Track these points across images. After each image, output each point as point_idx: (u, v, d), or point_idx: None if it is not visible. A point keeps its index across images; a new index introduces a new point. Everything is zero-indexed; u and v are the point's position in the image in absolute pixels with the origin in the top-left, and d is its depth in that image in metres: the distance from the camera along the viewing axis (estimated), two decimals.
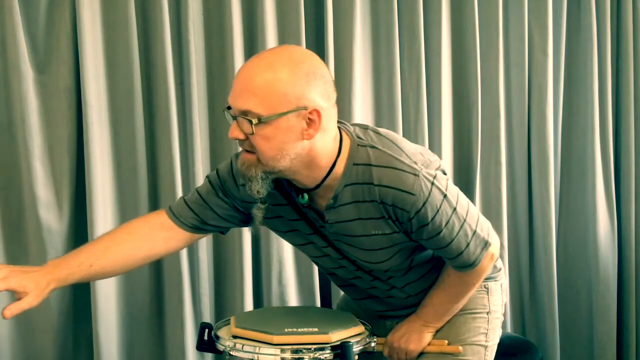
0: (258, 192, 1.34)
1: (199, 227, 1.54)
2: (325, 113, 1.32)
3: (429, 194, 1.36)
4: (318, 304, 2.28)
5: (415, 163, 1.38)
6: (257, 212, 1.42)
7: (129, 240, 1.49)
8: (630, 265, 2.75)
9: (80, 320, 2.06)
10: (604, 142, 2.69)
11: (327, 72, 1.36)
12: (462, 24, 2.48)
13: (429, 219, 1.37)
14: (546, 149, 2.58)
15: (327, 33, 2.25)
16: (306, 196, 1.42)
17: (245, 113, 1.28)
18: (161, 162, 2.10)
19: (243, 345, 1.39)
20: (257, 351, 1.37)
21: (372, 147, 1.39)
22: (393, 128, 2.38)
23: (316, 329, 1.41)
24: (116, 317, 2.06)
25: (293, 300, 2.25)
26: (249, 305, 2.17)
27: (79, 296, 2.04)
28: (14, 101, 1.93)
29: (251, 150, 1.32)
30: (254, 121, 1.27)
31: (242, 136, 1.31)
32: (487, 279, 1.62)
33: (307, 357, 1.36)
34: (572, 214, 2.73)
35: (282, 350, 1.36)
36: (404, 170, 1.35)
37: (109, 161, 2.05)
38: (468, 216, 1.43)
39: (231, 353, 1.40)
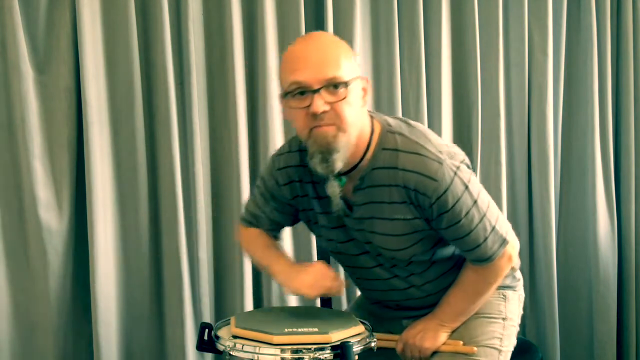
0: (338, 165, 1.40)
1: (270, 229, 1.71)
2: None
3: (451, 182, 1.42)
4: (318, 304, 2.28)
5: (441, 152, 1.44)
6: (334, 188, 1.47)
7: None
8: (630, 265, 2.74)
9: (80, 320, 2.06)
10: (604, 142, 2.68)
11: None
12: (462, 24, 2.48)
13: (449, 206, 1.42)
14: (546, 149, 2.58)
15: None
16: (344, 179, 1.47)
17: (332, 81, 1.36)
18: (161, 162, 2.10)
19: (243, 345, 1.39)
20: (257, 351, 1.37)
21: (401, 134, 1.46)
22: None
23: (316, 329, 1.41)
24: (116, 317, 2.06)
25: (293, 300, 2.25)
26: (249, 305, 2.17)
27: (79, 296, 2.04)
28: (14, 101, 1.93)
29: (331, 122, 1.38)
30: (345, 85, 1.37)
31: (328, 107, 1.36)
32: (505, 287, 1.65)
33: (307, 357, 1.36)
34: (572, 214, 2.73)
35: (282, 350, 1.36)
36: (429, 157, 1.42)
37: (109, 161, 2.05)
38: (488, 212, 1.48)
39: (231, 353, 1.40)
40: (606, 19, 2.65)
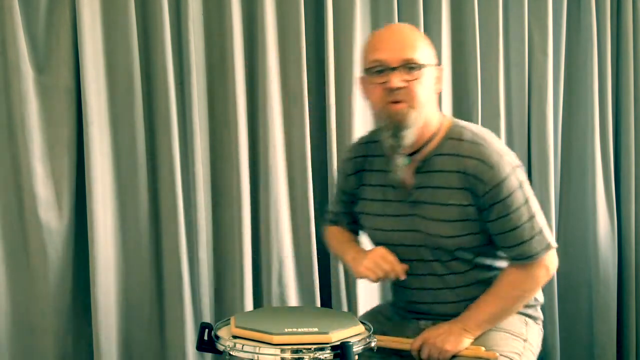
0: (407, 140, 1.54)
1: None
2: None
3: (507, 176, 1.53)
4: (318, 304, 2.28)
5: (502, 150, 1.57)
6: (399, 160, 1.60)
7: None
8: (630, 265, 2.74)
9: (80, 320, 2.06)
10: (604, 142, 2.68)
11: None
12: (462, 24, 2.48)
13: (502, 197, 1.52)
14: (546, 149, 2.58)
15: (327, 33, 2.25)
16: (409, 158, 1.60)
17: (409, 61, 1.52)
18: (161, 162, 2.10)
19: (243, 345, 1.39)
20: (257, 351, 1.37)
21: (468, 128, 1.60)
22: None
23: (316, 329, 1.41)
24: (116, 317, 2.06)
25: (293, 300, 2.25)
26: (249, 305, 2.17)
27: (79, 296, 2.04)
28: (14, 101, 1.93)
29: (404, 99, 1.52)
30: (419, 67, 1.52)
31: (403, 84, 1.51)
32: (528, 315, 1.69)
33: (307, 357, 1.36)
34: (572, 214, 2.73)
35: (282, 350, 1.36)
36: (491, 149, 1.55)
37: (109, 161, 2.05)
38: (537, 216, 1.56)
39: (231, 353, 1.40)
40: (606, 19, 2.65)
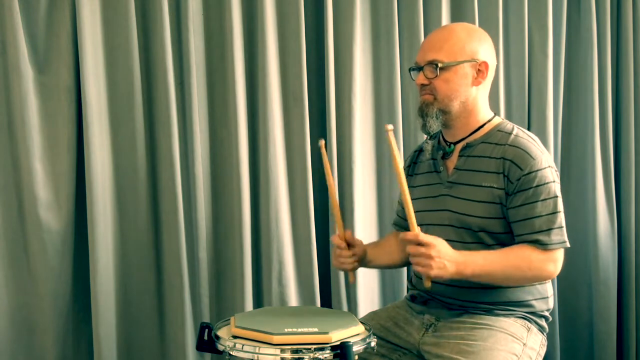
0: (431, 127, 1.71)
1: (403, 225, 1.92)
2: (491, 69, 1.73)
3: (544, 169, 1.62)
4: (318, 304, 2.28)
5: (545, 152, 1.67)
6: (427, 146, 1.81)
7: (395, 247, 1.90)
8: (630, 265, 2.75)
9: (80, 320, 2.06)
10: (604, 142, 2.69)
11: (493, 46, 1.78)
12: None
13: (533, 185, 1.61)
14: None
15: (327, 33, 2.25)
16: (453, 146, 1.75)
17: (431, 62, 1.68)
18: (161, 162, 2.10)
19: (243, 345, 1.39)
20: (257, 351, 1.37)
21: (518, 128, 1.73)
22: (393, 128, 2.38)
23: (316, 329, 1.41)
24: (116, 317, 2.06)
25: (293, 300, 2.25)
26: (249, 305, 2.18)
27: (79, 296, 2.05)
28: (14, 101, 1.94)
29: (430, 93, 1.70)
30: (440, 65, 1.66)
31: (426, 81, 1.70)
32: (535, 322, 1.69)
33: (307, 357, 1.36)
34: (572, 213, 2.73)
35: (282, 350, 1.36)
36: (535, 145, 1.66)
37: (109, 161, 2.05)
38: (561, 214, 1.63)
39: (231, 353, 1.40)
40: (606, 19, 2.65)
